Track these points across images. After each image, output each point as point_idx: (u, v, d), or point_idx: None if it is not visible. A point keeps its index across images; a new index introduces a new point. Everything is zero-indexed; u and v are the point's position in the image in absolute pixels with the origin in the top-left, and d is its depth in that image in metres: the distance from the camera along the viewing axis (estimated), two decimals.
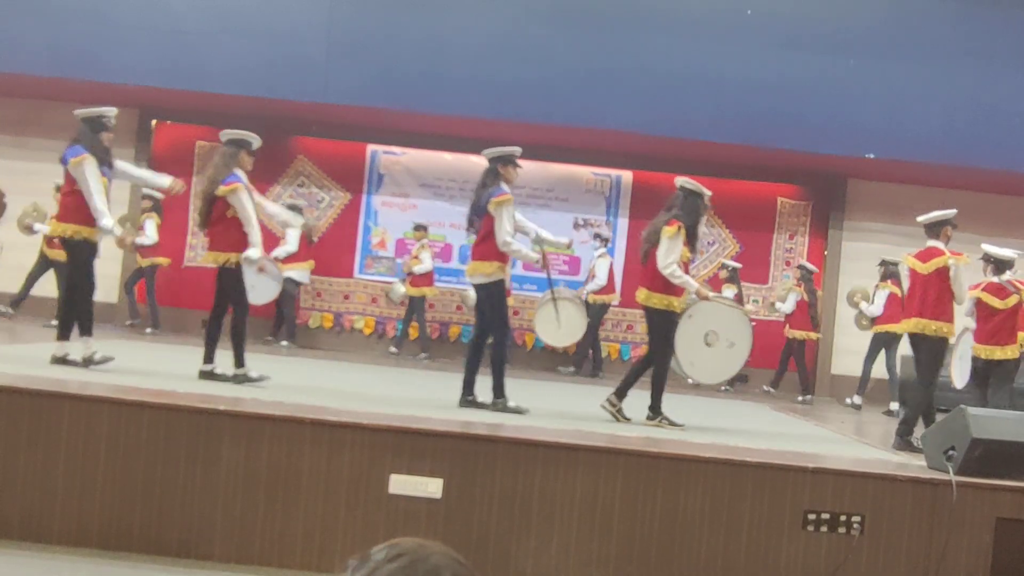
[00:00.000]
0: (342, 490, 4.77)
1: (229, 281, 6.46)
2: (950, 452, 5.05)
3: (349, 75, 10.56)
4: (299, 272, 11.20)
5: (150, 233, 10.92)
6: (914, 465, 5.39)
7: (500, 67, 10.48)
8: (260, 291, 7.33)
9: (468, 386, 6.48)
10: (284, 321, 11.19)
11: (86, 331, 6.45)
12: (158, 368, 6.84)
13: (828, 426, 7.96)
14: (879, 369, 10.54)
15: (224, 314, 6.59)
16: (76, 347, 6.39)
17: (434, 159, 12.17)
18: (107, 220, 6.35)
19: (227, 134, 6.63)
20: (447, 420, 5.46)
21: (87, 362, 6.36)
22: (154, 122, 12.16)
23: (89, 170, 6.27)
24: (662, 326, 6.56)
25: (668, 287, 6.48)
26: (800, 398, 10.66)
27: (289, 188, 12.28)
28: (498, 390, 6.42)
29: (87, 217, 6.35)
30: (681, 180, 6.77)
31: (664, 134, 10.72)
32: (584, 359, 11.31)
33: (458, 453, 4.83)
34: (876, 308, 10.45)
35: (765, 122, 10.59)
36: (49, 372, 5.91)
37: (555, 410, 6.90)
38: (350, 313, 12.18)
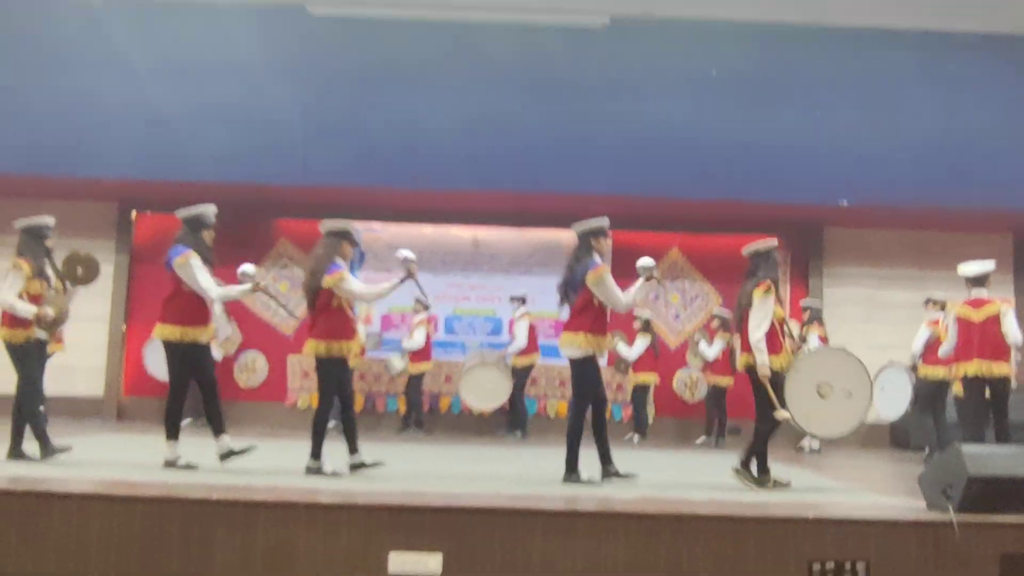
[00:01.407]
0: (340, 573, 4.70)
1: (331, 373, 6.36)
2: (948, 491, 5.04)
3: (327, 155, 10.69)
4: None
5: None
6: (914, 507, 5.37)
7: (476, 139, 10.64)
8: None
9: (571, 464, 6.31)
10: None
11: (219, 429, 6.43)
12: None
13: (825, 474, 7.93)
14: None
15: (331, 407, 6.43)
16: (173, 449, 6.32)
17: (414, 233, 12.26)
18: (240, 289, 6.51)
19: (327, 224, 6.58)
20: (443, 494, 5.42)
21: (224, 458, 6.36)
22: (134, 213, 12.22)
23: (196, 266, 6.25)
24: (762, 388, 6.37)
25: (770, 347, 6.34)
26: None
27: (272, 270, 12.31)
28: (571, 464, 6.31)
29: (195, 318, 6.31)
30: (748, 248, 6.67)
31: (641, 193, 10.86)
32: (524, 420, 11.21)
33: (456, 526, 4.79)
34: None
35: (738, 176, 10.76)
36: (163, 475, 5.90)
37: (514, 474, 6.86)
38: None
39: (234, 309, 11.65)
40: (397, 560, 4.70)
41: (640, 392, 11.24)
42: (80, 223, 11.97)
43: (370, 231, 12.40)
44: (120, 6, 10.58)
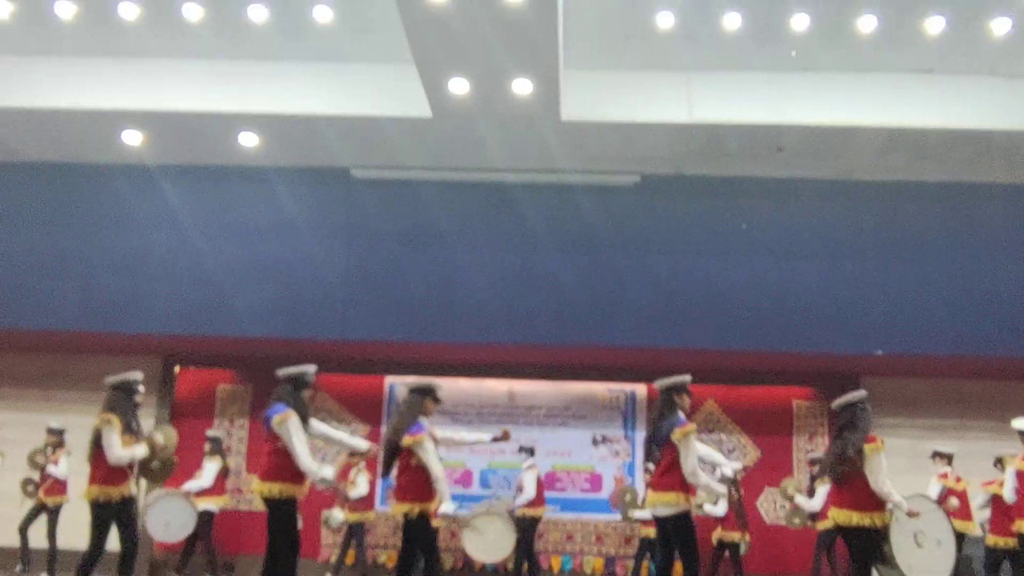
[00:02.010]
0: None
1: (417, 533, 6.34)
2: None
3: (366, 311, 10.95)
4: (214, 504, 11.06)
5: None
6: None
7: (511, 294, 10.87)
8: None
9: None
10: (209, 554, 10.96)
11: None
12: None
13: None
14: None
15: (415, 566, 6.41)
16: None
17: (452, 386, 12.37)
18: (326, 471, 6.43)
19: (412, 383, 6.67)
20: None
21: None
22: (177, 368, 12.48)
23: (294, 427, 6.26)
24: (864, 544, 6.30)
25: (872, 503, 6.28)
26: None
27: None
28: None
29: (292, 475, 6.30)
30: (839, 402, 6.65)
31: (674, 345, 10.93)
32: (537, 570, 10.91)
33: None
34: (816, 503, 10.19)
35: (772, 327, 10.81)
36: None
37: None
38: (372, 547, 11.96)
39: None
40: None
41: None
42: None
43: (407, 385, 12.53)
44: (172, 170, 11.15)
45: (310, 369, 6.65)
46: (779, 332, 10.84)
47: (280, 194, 11.06)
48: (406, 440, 6.29)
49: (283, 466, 6.27)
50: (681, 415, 6.45)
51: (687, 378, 6.66)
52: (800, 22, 9.14)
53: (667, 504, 6.29)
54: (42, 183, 11.34)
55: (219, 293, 10.93)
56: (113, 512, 6.61)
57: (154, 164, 11.05)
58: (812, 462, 10.87)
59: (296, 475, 6.29)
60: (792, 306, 10.84)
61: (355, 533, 11.24)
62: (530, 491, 10.93)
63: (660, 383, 6.70)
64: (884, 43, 9.39)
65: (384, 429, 12.32)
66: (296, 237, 10.99)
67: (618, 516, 11.07)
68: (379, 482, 11.99)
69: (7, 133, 10.67)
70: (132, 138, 10.59)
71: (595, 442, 12.23)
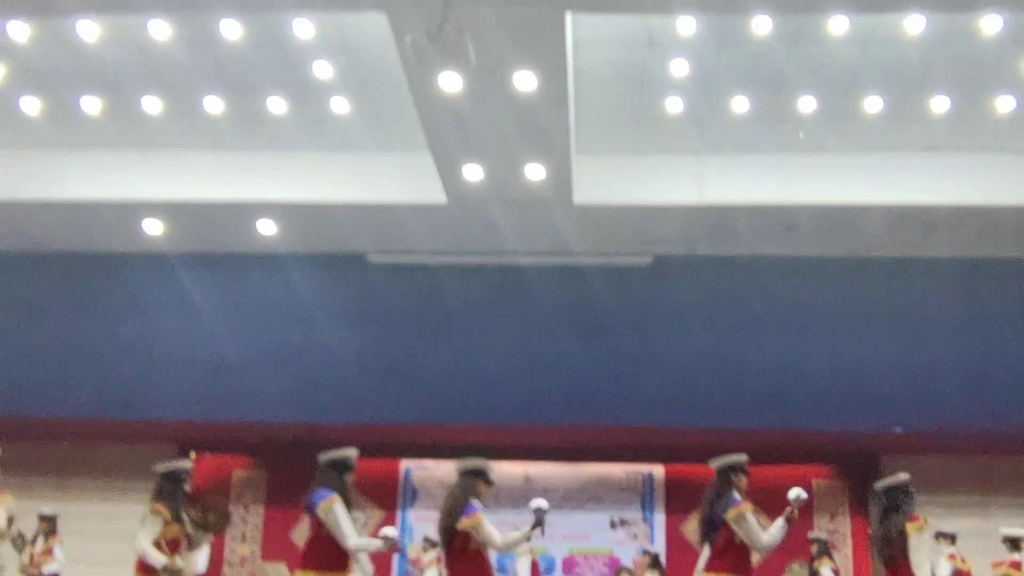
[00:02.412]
0: None
1: None
2: None
3: (381, 394, 10.97)
4: None
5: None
6: None
7: (525, 376, 10.88)
8: None
9: None
10: None
11: None
12: None
13: None
14: None
15: None
16: None
17: None
18: (387, 531, 6.22)
19: (464, 464, 6.57)
20: None
21: None
22: (192, 454, 12.46)
23: (340, 511, 6.12)
24: None
25: None
26: None
27: None
28: None
29: (336, 562, 6.15)
30: (881, 484, 6.66)
31: (690, 425, 10.89)
32: None
33: None
34: None
35: (788, 405, 10.77)
36: None
37: None
38: None
39: None
40: None
41: None
42: (140, 465, 12.21)
43: (423, 469, 12.47)
44: (191, 258, 11.30)
45: (352, 453, 6.58)
46: (795, 410, 10.80)
47: (297, 280, 11.19)
48: (463, 523, 6.15)
49: (328, 553, 6.17)
50: (736, 495, 6.34)
51: (744, 457, 6.59)
52: (807, 104, 9.32)
53: None
54: (64, 273, 11.51)
55: (235, 379, 10.99)
56: None
57: (174, 252, 11.23)
58: (812, 541, 10.74)
59: (341, 562, 6.19)
60: (808, 384, 10.80)
61: None
62: None
63: (715, 461, 6.62)
64: (890, 122, 9.55)
65: (400, 513, 12.25)
66: (313, 322, 11.07)
67: None
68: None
69: (33, 225, 10.88)
70: (153, 227, 10.79)
71: (613, 525, 12.08)
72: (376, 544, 6.23)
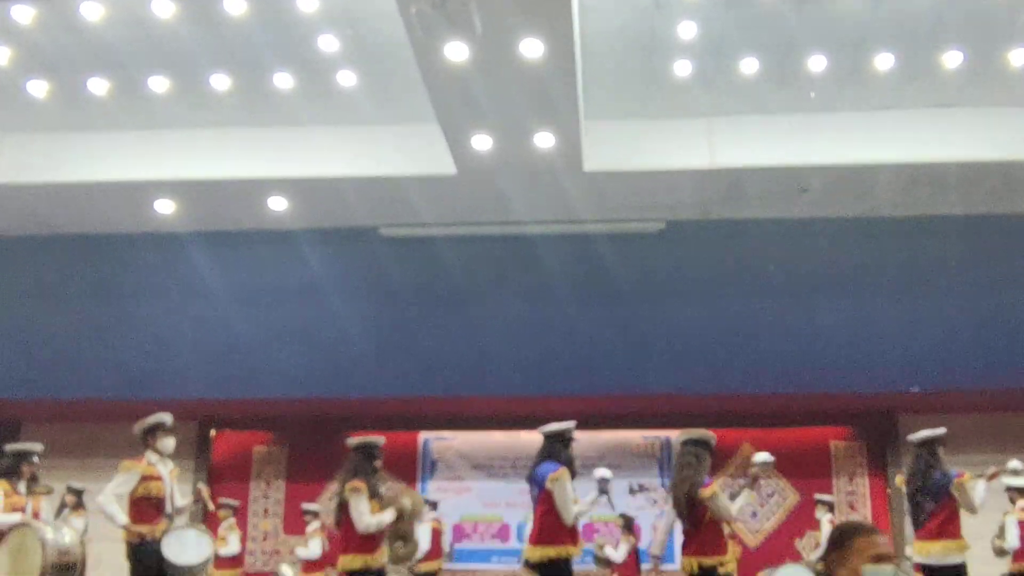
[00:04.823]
0: None
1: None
2: None
3: (397, 367, 11.02)
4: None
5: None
6: None
7: (541, 346, 10.91)
8: None
9: None
10: None
11: None
12: None
13: None
14: None
15: None
16: None
17: (486, 440, 12.36)
18: (581, 508, 6.42)
19: (689, 433, 6.64)
20: None
21: None
22: (213, 432, 12.56)
23: (568, 485, 6.26)
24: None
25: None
26: None
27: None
28: None
29: (565, 536, 6.27)
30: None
31: (707, 391, 10.90)
32: None
33: None
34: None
35: (804, 368, 10.76)
36: None
37: None
38: None
39: None
40: None
41: None
42: None
43: (441, 440, 12.54)
44: (203, 236, 11.34)
45: (570, 425, 6.70)
46: (811, 373, 10.79)
47: (309, 256, 11.21)
48: (703, 493, 6.25)
49: (554, 527, 6.19)
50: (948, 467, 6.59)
51: (944, 431, 6.81)
52: (817, 63, 9.22)
53: (948, 552, 6.46)
54: (78, 255, 11.56)
55: (252, 356, 11.05)
56: None
57: (185, 232, 11.25)
58: (819, 502, 10.79)
59: (569, 536, 6.21)
60: (823, 346, 10.79)
61: None
62: (424, 544, 10.88)
63: (917, 436, 6.85)
64: (902, 80, 9.44)
65: (420, 485, 12.34)
66: (326, 298, 11.10)
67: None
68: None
69: (44, 208, 10.91)
70: (164, 207, 10.81)
71: (632, 491, 12.12)
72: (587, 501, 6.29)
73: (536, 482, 6.23)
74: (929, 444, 6.60)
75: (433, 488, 12.40)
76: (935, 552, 6.41)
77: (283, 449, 12.66)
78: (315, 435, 12.38)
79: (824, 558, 2.53)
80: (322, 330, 11.13)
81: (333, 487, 12.32)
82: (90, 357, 11.22)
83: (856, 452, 12.26)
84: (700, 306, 10.96)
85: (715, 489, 6.27)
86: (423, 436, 12.59)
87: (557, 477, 6.07)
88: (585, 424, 12.15)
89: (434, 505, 11.26)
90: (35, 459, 6.98)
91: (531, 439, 12.63)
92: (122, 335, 11.29)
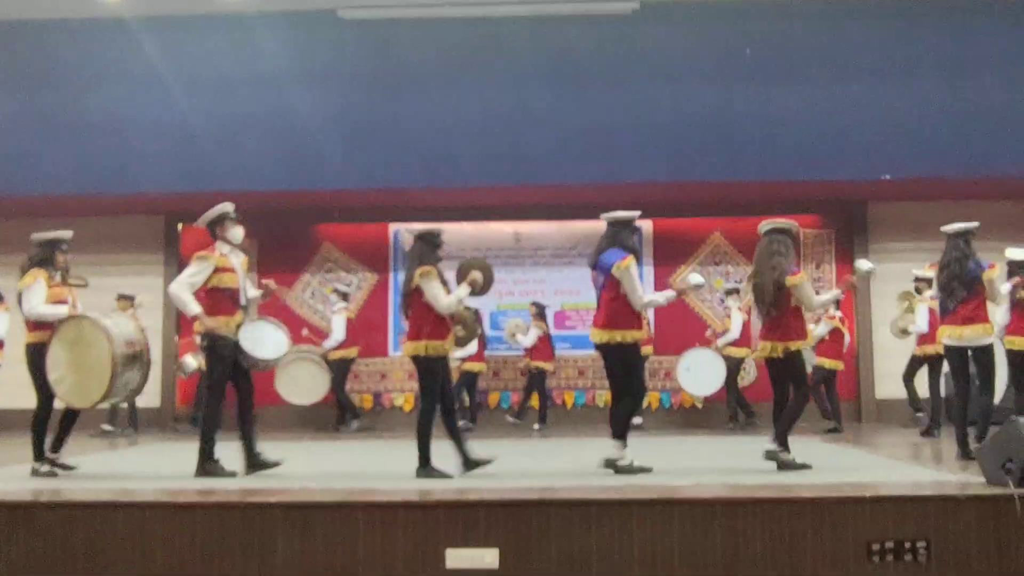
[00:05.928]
0: (399, 570, 4.75)
1: (798, 366, 6.43)
2: (1008, 465, 4.96)
3: (365, 159, 10.78)
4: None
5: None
6: (974, 483, 5.29)
7: (510, 135, 10.65)
8: None
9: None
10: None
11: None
12: None
13: (880, 452, 7.84)
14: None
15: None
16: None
17: (456, 230, 12.29)
18: (653, 297, 6.49)
19: (774, 223, 6.65)
20: (497, 488, 5.45)
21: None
22: (180, 226, 12.39)
23: (635, 271, 6.25)
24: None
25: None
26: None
27: (317, 275, 12.49)
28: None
29: (632, 321, 6.26)
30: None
31: (678, 179, 10.80)
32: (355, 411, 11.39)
33: (511, 520, 4.82)
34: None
35: (778, 156, 10.66)
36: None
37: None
38: (389, 391, 12.26)
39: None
40: (454, 556, 4.74)
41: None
42: (130, 237, 12.24)
43: (412, 231, 12.46)
44: (152, 24, 10.75)
45: (635, 213, 6.54)
46: (783, 161, 10.70)
47: (265, 42, 10.69)
48: (789, 280, 6.31)
49: (621, 312, 6.20)
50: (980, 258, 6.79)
51: (977, 224, 6.94)
52: None
53: (978, 335, 6.76)
54: (20, 42, 10.95)
55: (213, 148, 10.75)
56: (441, 364, 6.33)
57: (132, 16, 10.64)
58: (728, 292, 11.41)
59: (636, 321, 6.25)
60: (796, 134, 10.65)
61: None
62: (339, 334, 11.21)
63: (951, 228, 6.97)
64: None
65: (392, 275, 12.39)
66: (286, 86, 10.68)
67: None
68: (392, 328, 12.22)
69: None
70: None
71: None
72: (663, 296, 6.50)
73: (602, 269, 6.27)
74: (964, 235, 6.90)
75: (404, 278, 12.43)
76: (967, 335, 6.77)
77: (252, 242, 12.49)
78: (283, 227, 12.26)
79: None
80: (284, 120, 10.78)
81: (304, 278, 12.42)
82: (44, 151, 10.84)
83: (825, 240, 12.36)
84: (672, 91, 10.68)
85: (804, 277, 6.42)
86: (393, 227, 12.53)
87: (626, 265, 6.12)
88: (557, 214, 12.16)
89: (345, 296, 11.63)
90: (65, 247, 6.71)
91: (503, 229, 12.70)
92: (76, 128, 10.87)
